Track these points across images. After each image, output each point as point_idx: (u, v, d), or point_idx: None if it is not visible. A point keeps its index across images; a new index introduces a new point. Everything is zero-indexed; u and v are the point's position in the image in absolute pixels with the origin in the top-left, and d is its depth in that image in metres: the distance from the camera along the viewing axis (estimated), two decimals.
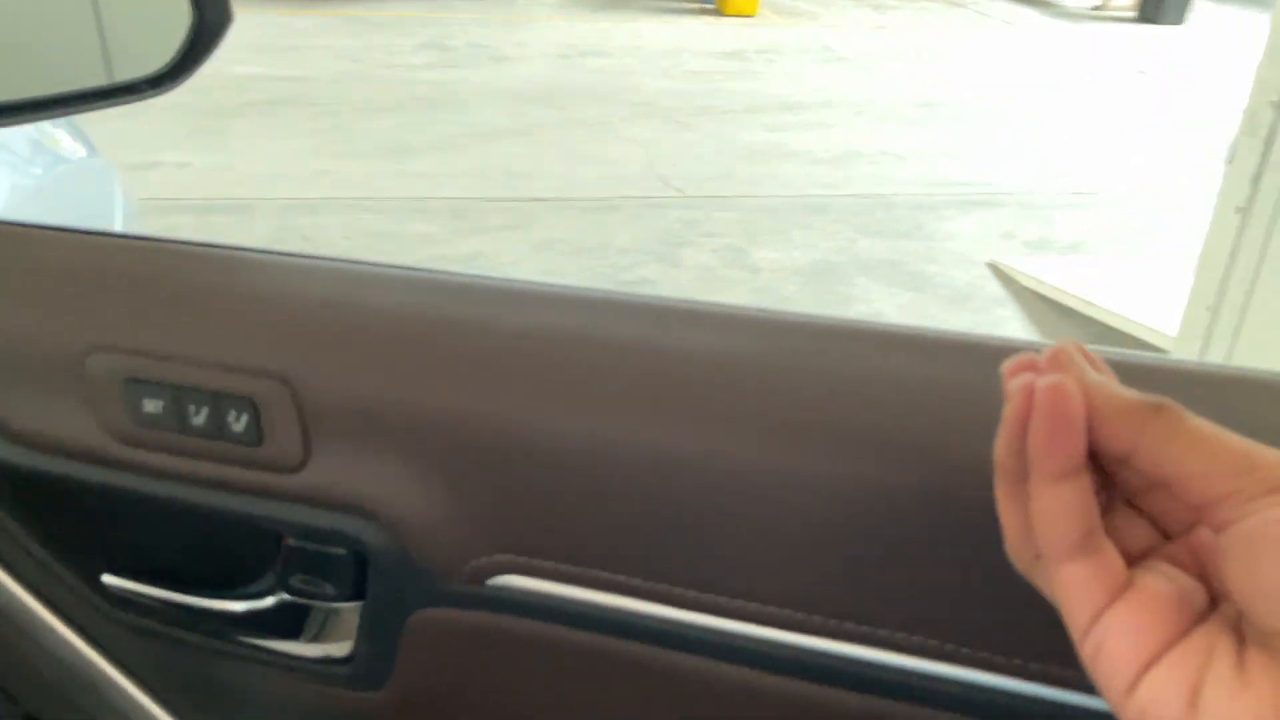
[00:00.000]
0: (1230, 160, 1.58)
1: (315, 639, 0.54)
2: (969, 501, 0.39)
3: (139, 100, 0.73)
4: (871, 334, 0.44)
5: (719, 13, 8.28)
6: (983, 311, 3.64)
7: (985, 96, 6.26)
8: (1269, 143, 1.48)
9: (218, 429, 0.48)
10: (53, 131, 1.56)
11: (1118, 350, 0.42)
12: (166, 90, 0.74)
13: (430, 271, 0.50)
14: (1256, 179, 1.53)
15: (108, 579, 0.56)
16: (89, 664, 0.59)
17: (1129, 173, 5.06)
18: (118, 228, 1.54)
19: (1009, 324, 3.55)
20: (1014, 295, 3.73)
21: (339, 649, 0.54)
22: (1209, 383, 0.41)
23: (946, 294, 3.72)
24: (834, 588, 0.42)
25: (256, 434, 0.48)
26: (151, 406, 0.49)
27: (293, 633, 0.54)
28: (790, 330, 0.45)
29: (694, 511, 0.43)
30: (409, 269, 0.50)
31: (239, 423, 0.48)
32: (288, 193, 4.25)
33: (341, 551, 0.51)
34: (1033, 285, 3.69)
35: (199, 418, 0.48)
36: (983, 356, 0.42)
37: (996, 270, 3.89)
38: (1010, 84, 6.62)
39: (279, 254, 0.53)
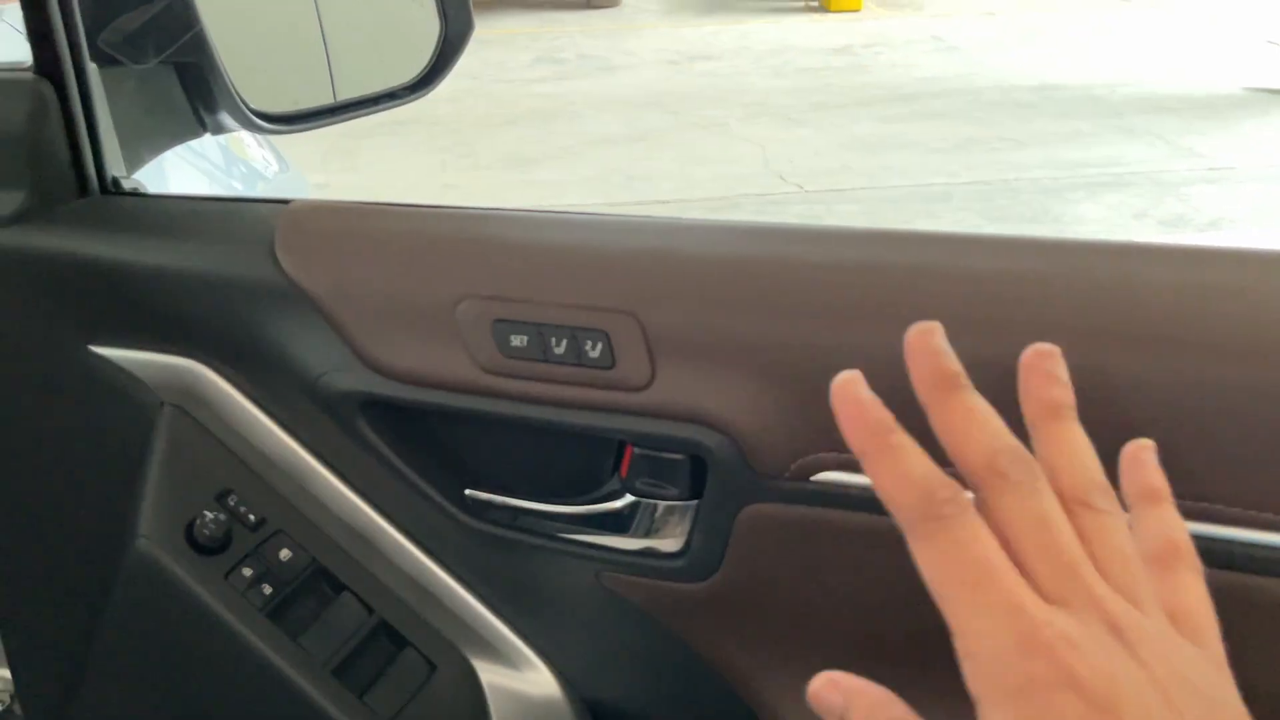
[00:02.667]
0: None
1: (645, 536, 0.62)
2: None
3: (402, 104, 0.83)
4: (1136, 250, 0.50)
5: (824, 9, 8.27)
6: None
7: (1103, 80, 6.11)
8: None
9: (576, 357, 0.58)
10: (245, 143, 1.70)
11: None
12: (424, 94, 0.84)
13: (734, 222, 0.58)
14: None
15: (470, 492, 0.65)
16: (433, 576, 0.68)
17: (1268, 149, 4.88)
18: None
19: None
20: None
21: (669, 544, 0.62)
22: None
23: None
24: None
25: (610, 359, 0.57)
26: (518, 341, 0.59)
27: (622, 531, 0.62)
28: (1067, 250, 0.51)
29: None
30: (716, 221, 0.58)
31: (594, 350, 0.57)
32: None
33: (680, 457, 0.59)
34: None
35: (559, 348, 0.57)
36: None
37: None
38: (1131, 65, 6.45)
39: (598, 215, 0.62)
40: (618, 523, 0.62)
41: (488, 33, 7.55)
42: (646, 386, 0.57)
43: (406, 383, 0.62)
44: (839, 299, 0.53)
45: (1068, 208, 4.24)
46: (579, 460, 0.64)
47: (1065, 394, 0.38)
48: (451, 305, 0.60)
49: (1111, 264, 0.50)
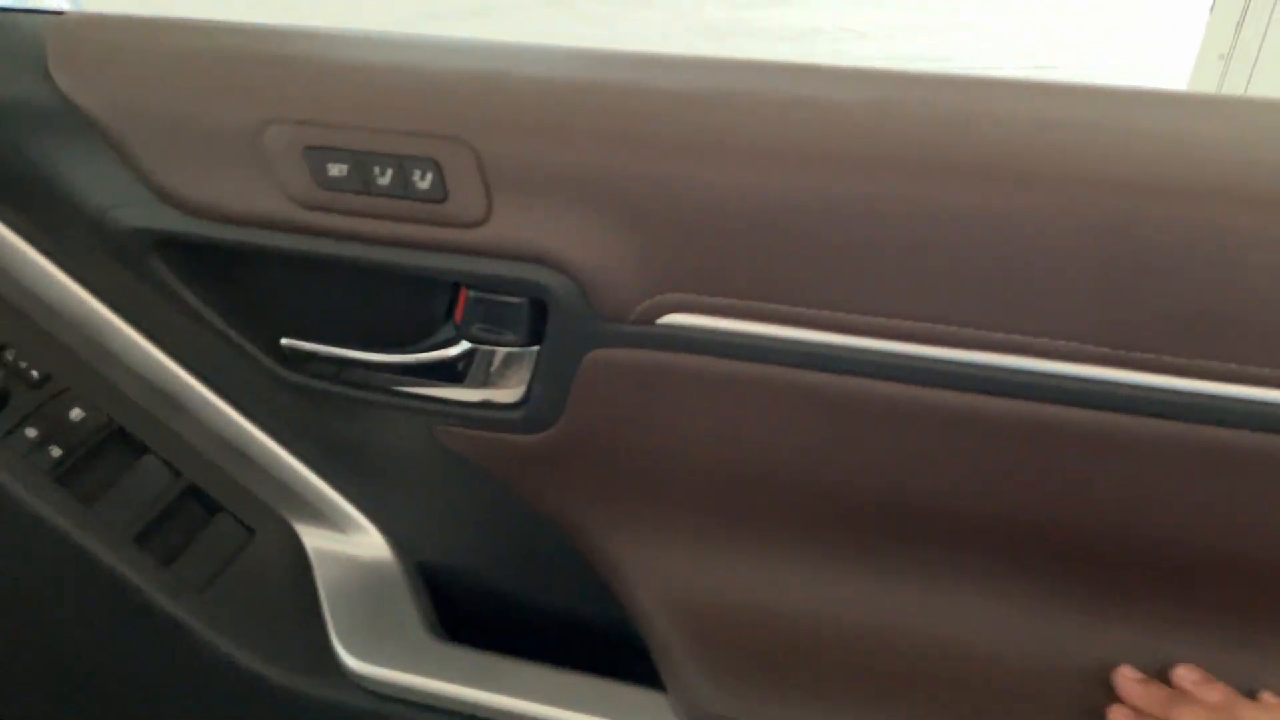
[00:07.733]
0: (1213, 9, 1.63)
1: (482, 386, 0.58)
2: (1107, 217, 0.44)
3: None
4: (992, 84, 0.47)
5: None
6: None
7: None
8: None
9: (403, 188, 0.51)
10: None
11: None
12: None
13: (580, 50, 0.53)
14: (1239, 25, 1.58)
15: (286, 342, 0.59)
16: (248, 435, 0.62)
17: (1094, 47, 5.08)
18: None
19: None
20: None
21: (508, 395, 0.58)
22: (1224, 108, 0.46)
23: None
24: (988, 303, 0.47)
25: (442, 191, 0.51)
26: (336, 170, 0.52)
27: (457, 382, 0.58)
28: (922, 83, 0.48)
29: (852, 243, 0.48)
30: (559, 48, 0.53)
31: (424, 181, 0.51)
32: None
33: (520, 300, 0.55)
34: None
35: (384, 178, 0.51)
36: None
37: None
38: None
39: (425, 36, 0.55)
40: (452, 373, 0.58)
41: None
42: (483, 222, 0.52)
43: (207, 218, 0.55)
44: (693, 130, 0.49)
45: None
46: (408, 305, 0.58)
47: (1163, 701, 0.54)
48: (257, 130, 0.52)
49: (969, 97, 0.47)
